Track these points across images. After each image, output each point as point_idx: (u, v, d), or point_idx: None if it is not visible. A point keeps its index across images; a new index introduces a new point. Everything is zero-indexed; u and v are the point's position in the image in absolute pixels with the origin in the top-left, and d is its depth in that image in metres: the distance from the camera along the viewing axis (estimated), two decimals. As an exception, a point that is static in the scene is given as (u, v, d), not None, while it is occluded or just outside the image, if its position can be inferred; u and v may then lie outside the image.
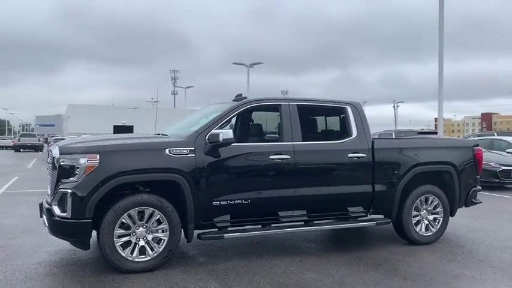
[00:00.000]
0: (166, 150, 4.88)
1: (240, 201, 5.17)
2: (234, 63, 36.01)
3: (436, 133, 22.08)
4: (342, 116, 6.10)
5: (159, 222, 4.85)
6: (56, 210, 4.63)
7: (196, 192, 4.95)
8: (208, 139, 5.03)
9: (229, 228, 5.26)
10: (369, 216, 6.03)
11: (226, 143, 5.00)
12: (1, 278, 4.53)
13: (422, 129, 27.54)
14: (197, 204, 4.96)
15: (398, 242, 6.20)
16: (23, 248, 5.67)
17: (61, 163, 4.72)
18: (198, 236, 5.06)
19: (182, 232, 5.02)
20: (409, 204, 6.09)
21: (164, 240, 4.84)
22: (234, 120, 5.62)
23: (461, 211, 6.75)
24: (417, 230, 6.13)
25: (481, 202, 6.77)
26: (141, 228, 4.78)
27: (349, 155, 5.76)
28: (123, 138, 5.22)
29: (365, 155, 5.83)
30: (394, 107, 79.29)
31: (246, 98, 5.71)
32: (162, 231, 4.86)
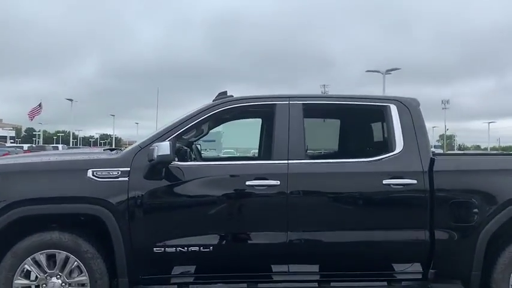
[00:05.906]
0: (89, 172, 3.50)
1: (196, 249, 3.51)
2: (368, 71, 33.76)
3: None
4: (379, 120, 3.99)
5: (79, 271, 3.48)
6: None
7: (129, 233, 3.45)
8: (148, 156, 3.51)
9: (190, 286, 3.64)
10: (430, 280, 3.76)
11: (162, 161, 3.40)
12: None
13: None
14: (131, 249, 3.46)
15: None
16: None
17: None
18: (137, 295, 3.53)
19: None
20: (503, 264, 3.66)
21: (84, 298, 3.45)
22: (201, 130, 3.96)
23: None
24: (522, 311, 3.62)
25: None
26: (54, 279, 3.46)
27: (386, 182, 3.62)
28: (43, 155, 4.04)
29: (415, 182, 3.63)
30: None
31: (231, 96, 4.04)
32: (82, 285, 3.47)
